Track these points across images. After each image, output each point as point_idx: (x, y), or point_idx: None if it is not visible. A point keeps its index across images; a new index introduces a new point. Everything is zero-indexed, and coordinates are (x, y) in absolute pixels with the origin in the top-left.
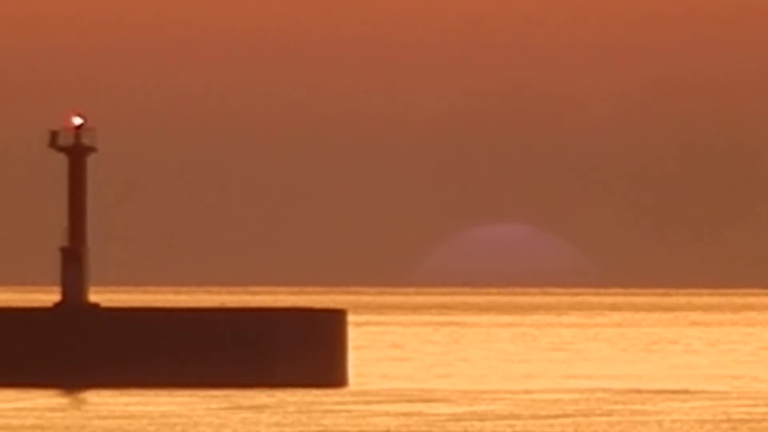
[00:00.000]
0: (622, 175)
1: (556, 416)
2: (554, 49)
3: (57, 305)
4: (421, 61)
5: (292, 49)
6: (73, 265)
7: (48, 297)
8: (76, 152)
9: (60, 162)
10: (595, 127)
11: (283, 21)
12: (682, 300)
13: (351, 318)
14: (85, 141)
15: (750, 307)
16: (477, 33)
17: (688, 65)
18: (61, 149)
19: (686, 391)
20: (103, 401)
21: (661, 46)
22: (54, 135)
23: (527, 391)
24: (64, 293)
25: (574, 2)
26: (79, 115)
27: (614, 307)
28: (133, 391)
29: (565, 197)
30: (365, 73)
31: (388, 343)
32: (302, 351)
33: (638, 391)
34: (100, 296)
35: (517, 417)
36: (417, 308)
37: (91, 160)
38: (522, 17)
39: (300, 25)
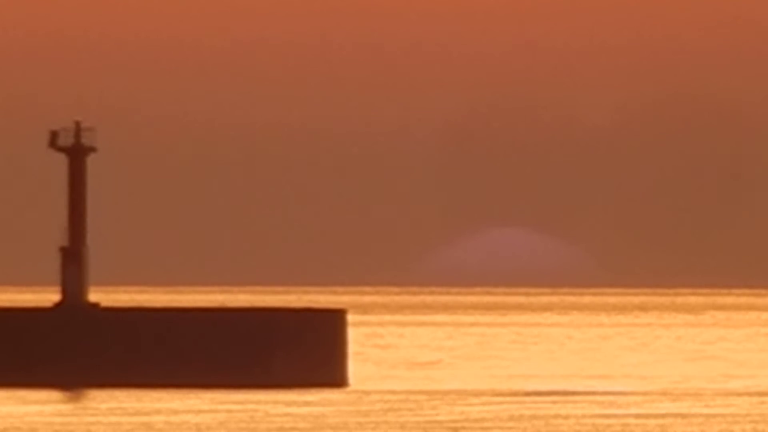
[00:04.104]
0: (622, 177)
1: (556, 418)
2: (553, 56)
3: (57, 305)
4: (425, 65)
5: (295, 51)
6: (73, 265)
7: (48, 297)
8: (76, 152)
9: (60, 162)
10: (594, 130)
11: (286, 25)
12: (681, 300)
13: (351, 318)
14: (85, 141)
15: (749, 307)
16: (480, 38)
17: (685, 68)
18: (61, 149)
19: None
20: (102, 402)
21: (656, 51)
22: (54, 135)
23: (529, 392)
24: (64, 293)
25: (577, 10)
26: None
27: (614, 308)
28: (133, 392)
29: (565, 199)
30: (367, 73)
31: (388, 342)
32: (302, 351)
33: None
34: (100, 296)
35: (524, 418)
36: (418, 308)
37: (91, 160)
38: (525, 23)
39: (304, 30)
